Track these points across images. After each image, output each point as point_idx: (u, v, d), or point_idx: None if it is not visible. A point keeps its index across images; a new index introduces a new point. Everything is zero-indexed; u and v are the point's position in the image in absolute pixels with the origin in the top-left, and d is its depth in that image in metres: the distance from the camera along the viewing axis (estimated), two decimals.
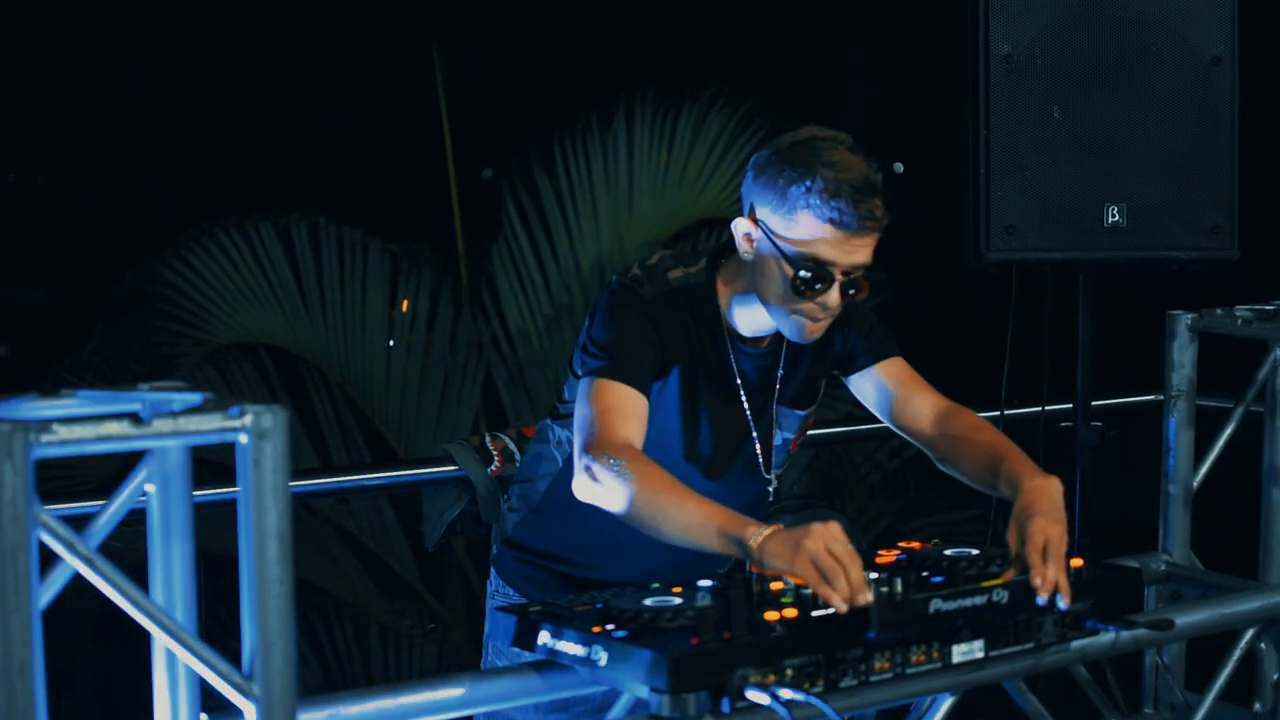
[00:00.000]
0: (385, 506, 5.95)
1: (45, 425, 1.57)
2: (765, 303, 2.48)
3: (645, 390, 2.46)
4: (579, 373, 2.52)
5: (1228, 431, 2.77)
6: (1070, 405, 3.53)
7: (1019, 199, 3.09)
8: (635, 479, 2.28)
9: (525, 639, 2.05)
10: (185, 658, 1.69)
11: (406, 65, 6.32)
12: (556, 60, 6.27)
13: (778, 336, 2.62)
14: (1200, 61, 3.13)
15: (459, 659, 5.49)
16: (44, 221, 6.25)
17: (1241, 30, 3.17)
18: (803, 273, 2.39)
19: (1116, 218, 3.11)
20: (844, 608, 2.00)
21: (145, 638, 1.75)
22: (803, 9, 6.06)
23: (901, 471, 5.86)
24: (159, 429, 1.63)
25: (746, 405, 2.61)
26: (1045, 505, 2.24)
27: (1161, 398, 4.08)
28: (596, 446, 2.36)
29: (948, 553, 2.26)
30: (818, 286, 2.40)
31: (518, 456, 2.98)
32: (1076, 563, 2.24)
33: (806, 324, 2.46)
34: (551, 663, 2.06)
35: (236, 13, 6.14)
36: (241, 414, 1.67)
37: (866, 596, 2.01)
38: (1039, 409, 3.48)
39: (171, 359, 5.84)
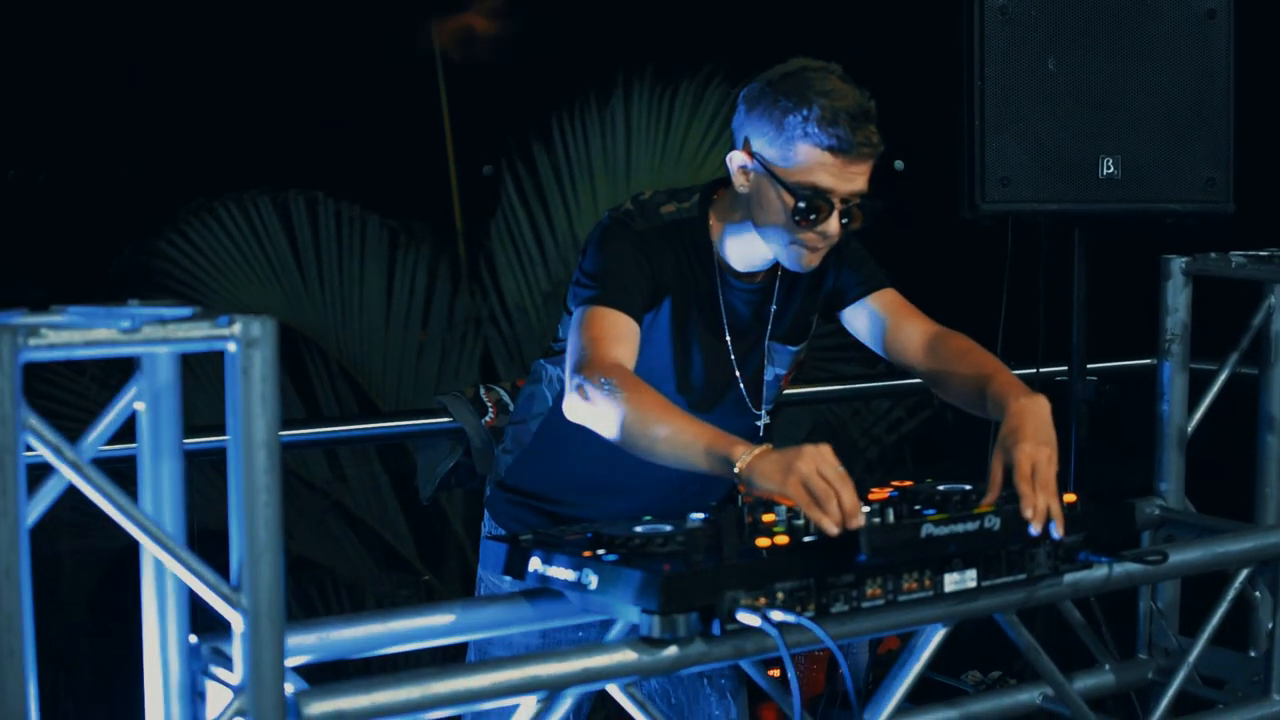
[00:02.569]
0: (381, 478, 5.95)
1: (34, 330, 1.57)
2: (763, 233, 2.49)
3: (637, 317, 2.47)
4: (571, 308, 2.52)
5: (1223, 376, 2.77)
6: (1064, 366, 3.53)
7: (1014, 151, 3.09)
8: (625, 398, 2.28)
9: (516, 567, 2.05)
10: (174, 567, 1.68)
11: (405, 41, 6.32)
12: (555, 37, 6.27)
13: (771, 271, 2.63)
14: (1196, 14, 3.13)
15: None
16: (42, 210, 6.25)
17: None
18: (802, 202, 2.40)
19: (1112, 170, 3.11)
20: (835, 531, 1.99)
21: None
22: None
23: (899, 446, 5.86)
24: (148, 335, 1.63)
25: (731, 342, 2.61)
26: (1031, 427, 2.22)
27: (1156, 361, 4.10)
28: (588, 367, 2.35)
29: (940, 487, 2.25)
30: (816, 215, 2.41)
31: (512, 408, 2.98)
32: (1069, 497, 2.23)
33: (805, 253, 2.47)
34: (542, 590, 2.05)
35: None
36: (230, 323, 1.67)
37: (859, 520, 2.00)
38: (1034, 370, 3.48)
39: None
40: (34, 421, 1.59)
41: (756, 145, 2.45)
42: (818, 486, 2.02)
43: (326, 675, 1.92)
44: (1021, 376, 3.55)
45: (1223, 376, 2.77)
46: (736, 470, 2.12)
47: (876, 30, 5.72)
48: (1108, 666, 2.61)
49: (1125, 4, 3.10)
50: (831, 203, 2.41)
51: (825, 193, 2.40)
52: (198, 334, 1.65)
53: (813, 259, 2.48)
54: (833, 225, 2.43)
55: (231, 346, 1.66)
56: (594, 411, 2.32)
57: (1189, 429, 2.80)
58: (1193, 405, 2.83)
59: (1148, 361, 4.33)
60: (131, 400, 1.76)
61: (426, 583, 5.72)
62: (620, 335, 2.42)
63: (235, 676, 1.71)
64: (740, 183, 2.49)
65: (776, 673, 3.67)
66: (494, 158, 6.22)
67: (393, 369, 6.03)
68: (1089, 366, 3.53)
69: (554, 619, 2.09)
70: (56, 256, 6.29)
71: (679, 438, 2.23)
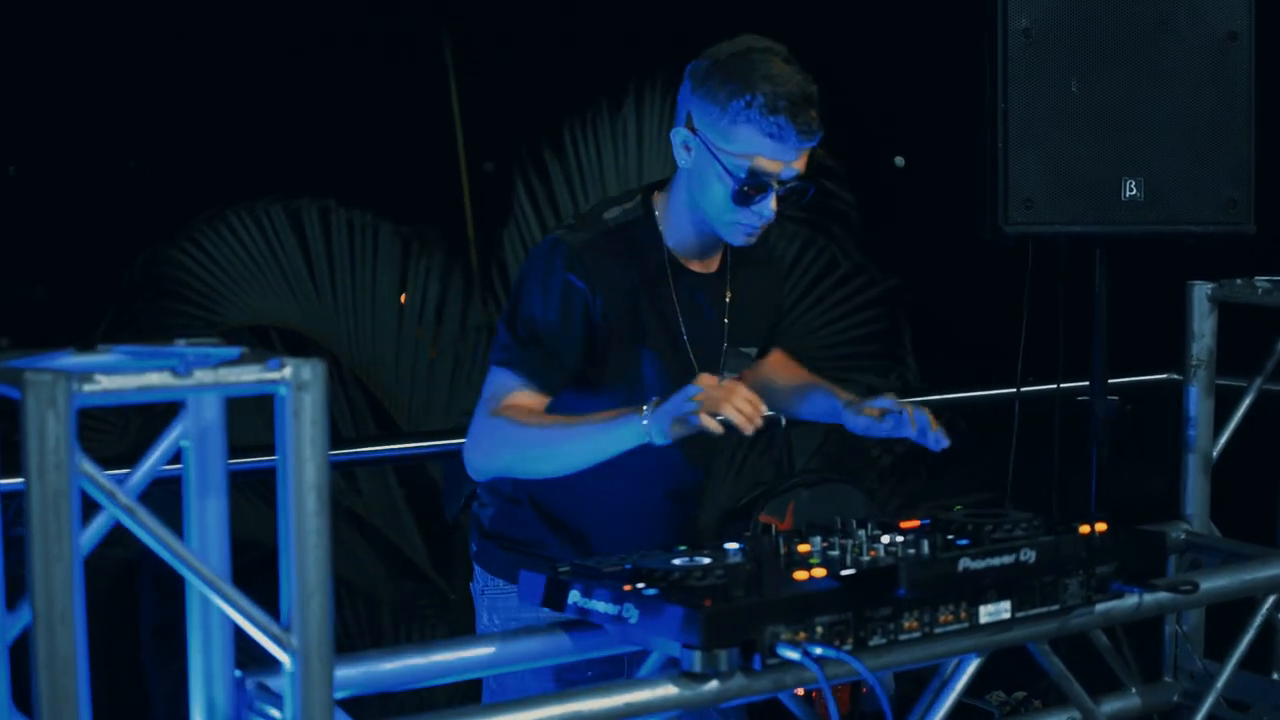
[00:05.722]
0: (394, 489, 5.97)
1: (87, 375, 1.59)
2: (704, 209, 2.55)
3: (548, 385, 2.53)
4: (490, 357, 2.59)
5: (1247, 401, 2.78)
6: (1084, 383, 3.54)
7: (1037, 172, 3.10)
8: (517, 434, 2.46)
9: (555, 599, 2.06)
10: (224, 608, 1.70)
11: (417, 49, 6.34)
12: (566, 45, 6.29)
13: (722, 262, 2.70)
14: (1217, 36, 3.14)
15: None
16: (53, 210, 6.26)
17: (1258, 5, 3.18)
18: (743, 184, 2.47)
19: (1134, 191, 3.12)
20: (750, 429, 2.22)
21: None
22: None
23: (912, 455, 5.88)
24: (200, 380, 1.64)
25: (689, 338, 2.65)
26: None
27: (1173, 376, 4.12)
28: (479, 424, 2.55)
29: (971, 517, 2.26)
30: (757, 196, 2.49)
31: None
32: (1100, 526, 2.25)
33: (743, 229, 2.55)
34: (580, 623, 2.07)
35: None
36: (281, 366, 1.68)
37: (763, 407, 2.25)
38: (1054, 386, 3.49)
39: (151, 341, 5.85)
40: (87, 466, 1.60)
41: (699, 123, 2.50)
42: (715, 395, 2.25)
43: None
44: (1041, 394, 3.60)
45: (1247, 401, 2.79)
46: (645, 433, 2.33)
47: (892, 47, 5.73)
48: (1134, 690, 2.63)
49: (1147, 26, 3.11)
50: (770, 185, 2.48)
51: (764, 175, 2.47)
52: (249, 378, 1.66)
53: (751, 235, 2.57)
54: (770, 205, 2.51)
55: (282, 390, 1.67)
56: (495, 462, 2.53)
57: (1214, 454, 2.82)
58: (1217, 425, 2.85)
59: (1160, 377, 4.39)
60: (177, 439, 1.78)
61: (441, 594, 5.74)
62: (517, 402, 2.52)
63: (280, 713, 1.73)
64: (683, 158, 2.54)
65: (800, 690, 3.69)
66: (506, 165, 6.24)
67: (405, 377, 6.06)
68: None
69: (591, 651, 2.10)
70: (59, 256, 6.30)
71: (582, 440, 2.42)
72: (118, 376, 1.60)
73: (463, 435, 3.08)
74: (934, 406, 4.94)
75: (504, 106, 6.33)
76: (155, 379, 1.62)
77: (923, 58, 5.85)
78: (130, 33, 6.04)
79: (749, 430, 2.26)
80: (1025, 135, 3.09)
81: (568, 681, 2.48)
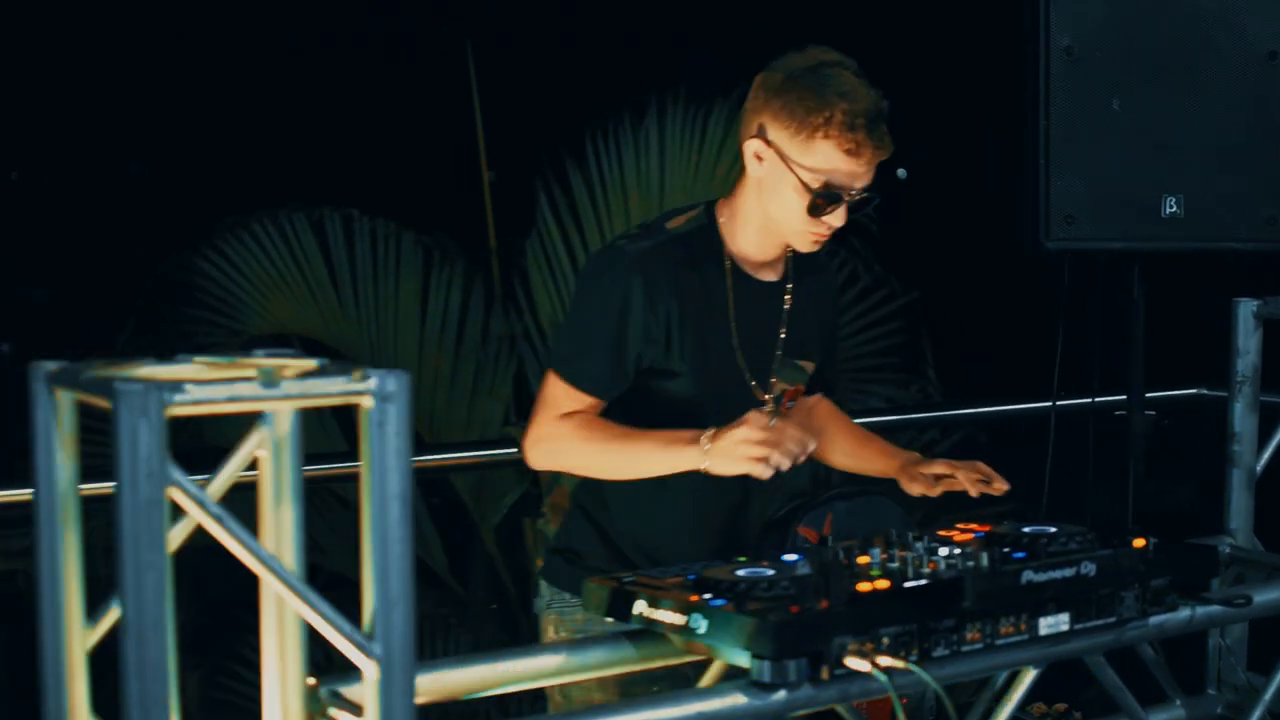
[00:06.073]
0: (417, 499, 5.98)
1: (178, 385, 1.61)
2: (773, 218, 2.62)
3: (598, 389, 2.63)
4: (553, 347, 2.68)
5: None
6: (1117, 397, 3.57)
7: (1078, 189, 3.14)
8: (583, 437, 2.57)
9: (620, 609, 2.09)
10: (309, 615, 1.72)
11: (440, 59, 6.36)
12: (589, 56, 6.31)
13: (784, 271, 2.76)
14: (1257, 55, 3.18)
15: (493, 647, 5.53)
16: (75, 217, 6.28)
17: None
18: (817, 197, 2.55)
19: (1174, 208, 3.16)
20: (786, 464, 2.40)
21: None
22: (832, 6, 6.11)
23: None
24: (288, 391, 1.66)
25: (747, 340, 2.71)
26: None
27: (1201, 392, 4.15)
28: (542, 424, 2.65)
29: (1026, 529, 2.29)
30: (830, 208, 2.57)
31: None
32: (1153, 541, 2.28)
33: (812, 236, 2.63)
34: (643, 633, 2.09)
35: (270, 6, 6.17)
36: (366, 377, 1.70)
37: (812, 444, 2.39)
38: (1089, 400, 3.52)
39: (205, 349, 5.87)
40: (177, 475, 1.62)
41: (774, 135, 2.57)
42: (765, 440, 2.39)
43: None
44: (1075, 408, 3.63)
45: None
46: (704, 467, 2.48)
47: (913, 59, 5.77)
48: (1178, 702, 2.65)
49: (1188, 46, 3.15)
50: (842, 198, 2.56)
51: (838, 188, 2.55)
52: (335, 389, 1.69)
53: (819, 243, 2.65)
54: (840, 217, 2.59)
55: (367, 401, 1.70)
56: (554, 463, 2.66)
57: (1258, 469, 2.85)
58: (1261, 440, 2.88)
59: (1188, 392, 4.42)
60: (254, 448, 1.80)
61: (462, 603, 5.76)
62: (573, 406, 2.63)
63: (356, 717, 1.75)
64: (754, 167, 2.61)
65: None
66: (528, 176, 6.27)
67: (426, 386, 6.08)
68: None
69: (655, 659, 2.13)
70: (78, 262, 6.32)
71: (639, 459, 2.57)
72: (208, 386, 1.62)
73: (484, 447, 3.14)
74: (960, 421, 5.00)
75: (526, 117, 6.36)
76: (244, 389, 1.64)
77: (943, 71, 5.88)
78: (154, 39, 6.06)
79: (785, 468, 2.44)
80: (1067, 152, 3.12)
81: (630, 692, 2.52)
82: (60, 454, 1.75)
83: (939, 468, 2.70)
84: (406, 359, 6.05)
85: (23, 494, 3.61)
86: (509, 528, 5.38)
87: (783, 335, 2.75)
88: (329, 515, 5.68)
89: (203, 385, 1.62)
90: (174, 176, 6.11)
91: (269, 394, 1.66)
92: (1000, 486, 2.65)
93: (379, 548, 1.71)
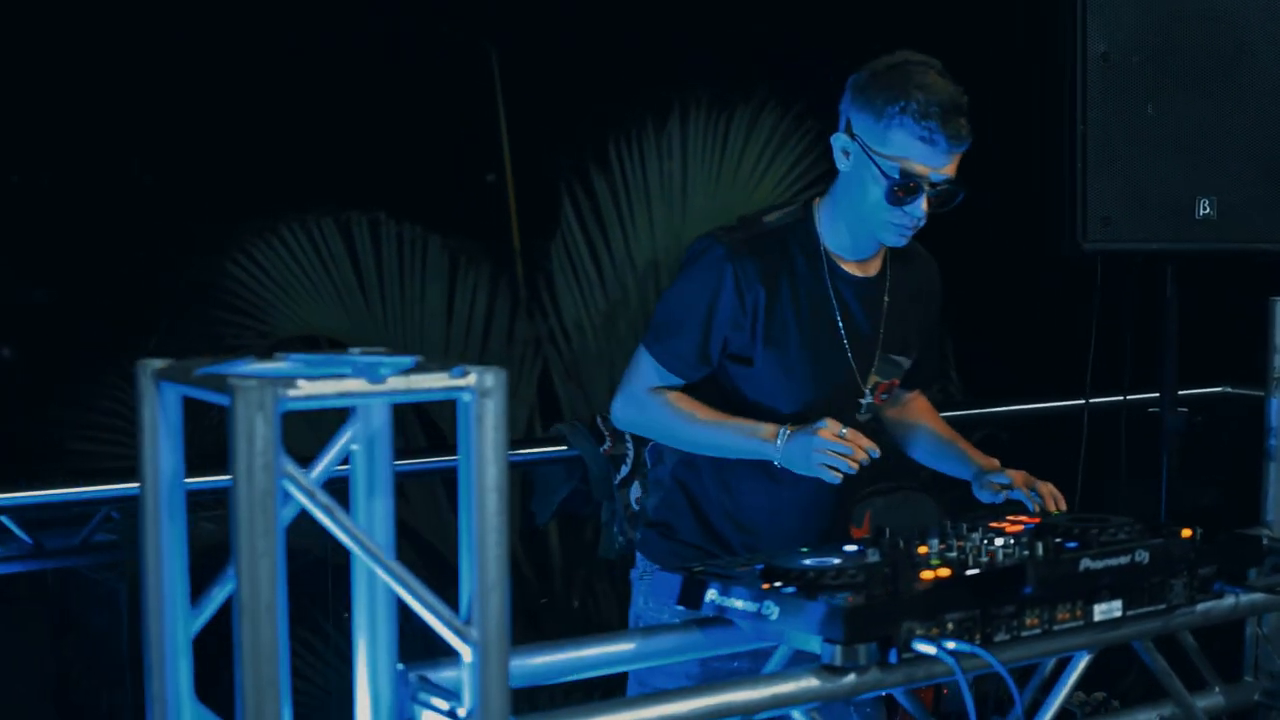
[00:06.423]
0: (441, 496, 6.06)
1: (290, 381, 1.69)
2: (859, 210, 2.72)
3: (683, 371, 2.79)
4: (650, 324, 2.84)
5: None
6: (1150, 394, 3.65)
7: (1114, 192, 3.22)
8: (667, 410, 2.75)
9: (691, 597, 2.17)
10: (410, 602, 1.80)
11: (465, 66, 6.43)
12: (612, 63, 6.39)
13: (880, 266, 2.84)
14: None
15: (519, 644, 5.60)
16: (104, 221, 6.34)
17: None
18: (895, 184, 2.64)
19: (1207, 210, 3.24)
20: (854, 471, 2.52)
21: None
22: (859, 8, 6.18)
23: None
24: (393, 386, 1.74)
25: (845, 334, 2.80)
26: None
27: (1227, 390, 4.23)
28: (631, 392, 2.82)
29: (1074, 519, 2.38)
30: (909, 196, 2.65)
31: (628, 435, 3.13)
32: (1199, 531, 2.36)
33: (896, 229, 2.72)
34: (714, 620, 2.17)
35: (296, 10, 6.24)
36: (465, 374, 1.78)
37: (877, 452, 2.58)
38: (1121, 398, 3.60)
39: (234, 351, 5.95)
40: (290, 467, 1.71)
41: (858, 129, 2.69)
42: (834, 448, 2.56)
43: None
44: (1108, 405, 3.71)
45: None
46: (777, 462, 2.66)
47: (956, 68, 5.84)
48: (1217, 689, 2.73)
49: (1221, 52, 3.23)
50: (922, 185, 2.65)
51: (916, 176, 2.64)
52: (437, 385, 1.77)
53: (904, 235, 2.74)
54: (922, 206, 2.67)
55: (466, 396, 1.78)
56: (640, 429, 2.84)
57: None
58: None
59: (1217, 390, 4.51)
60: (348, 443, 1.88)
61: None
62: (659, 382, 2.80)
63: (446, 703, 1.83)
64: (842, 162, 2.72)
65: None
66: (552, 181, 6.35)
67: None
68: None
69: (723, 647, 2.21)
70: (91, 265, 6.38)
71: (720, 443, 2.74)
72: (319, 382, 1.70)
73: (512, 448, 3.22)
74: (986, 419, 5.07)
75: (550, 122, 6.43)
76: (352, 385, 1.73)
77: (974, 76, 5.95)
78: (187, 45, 6.13)
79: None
80: (1103, 156, 3.21)
81: (711, 673, 2.63)
82: (166, 447, 1.82)
83: (1014, 478, 2.79)
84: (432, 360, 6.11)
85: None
86: (558, 523, 5.46)
87: (881, 332, 2.84)
88: None
89: (314, 381, 1.70)
90: (204, 181, 6.18)
91: (375, 389, 1.74)
92: (1061, 506, 2.73)
93: (476, 537, 1.79)
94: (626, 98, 6.31)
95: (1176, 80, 3.23)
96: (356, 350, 1.89)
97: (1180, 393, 4.01)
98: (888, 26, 5.84)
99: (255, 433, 1.65)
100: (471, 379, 1.77)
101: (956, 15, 6.20)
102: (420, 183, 6.43)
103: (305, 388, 1.69)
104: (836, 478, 2.59)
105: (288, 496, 1.72)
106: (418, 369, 1.79)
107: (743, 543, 2.79)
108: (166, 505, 1.83)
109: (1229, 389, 4.55)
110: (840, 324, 2.79)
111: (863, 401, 2.84)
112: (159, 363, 1.82)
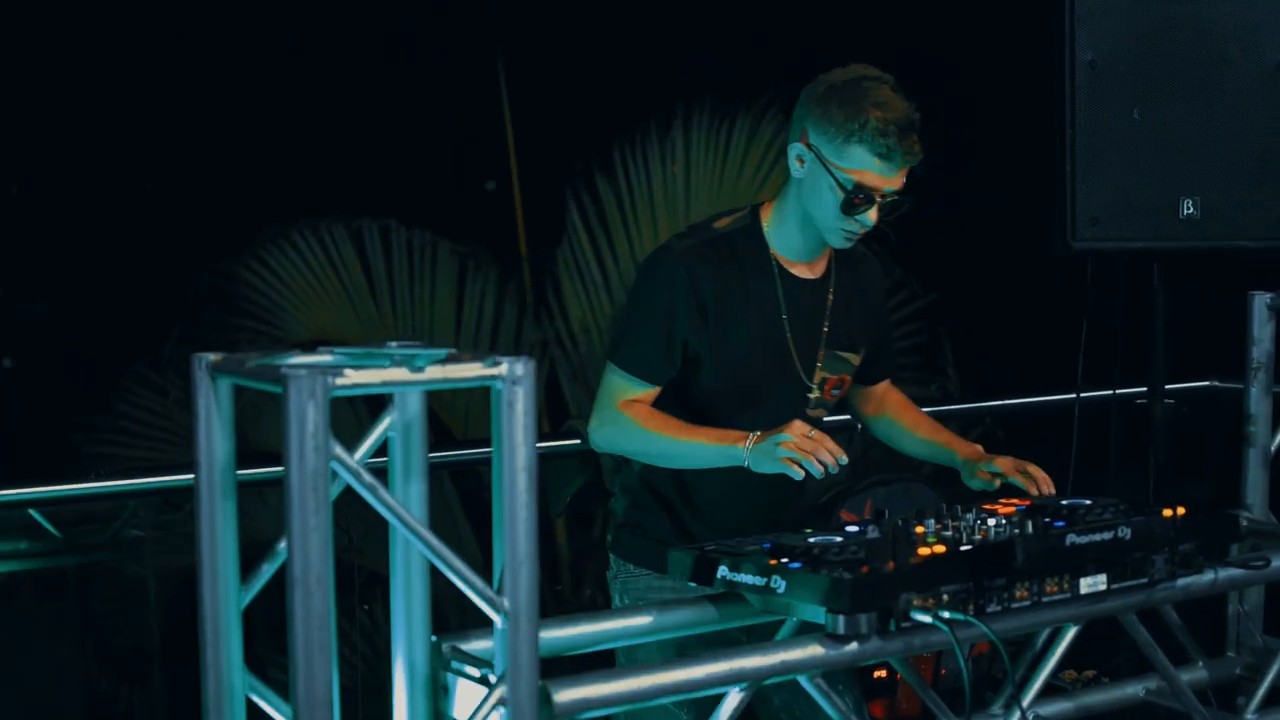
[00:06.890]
0: (450, 492, 6.20)
1: (338, 370, 1.84)
2: (811, 215, 2.86)
3: (651, 376, 2.90)
4: (611, 341, 2.98)
5: None
6: (1137, 389, 3.80)
7: (1102, 193, 3.37)
8: (639, 425, 2.85)
9: (703, 574, 2.32)
10: (450, 575, 1.94)
11: (472, 74, 6.57)
12: (617, 70, 6.53)
13: (825, 268, 2.99)
14: (1266, 67, 3.41)
15: None
16: (119, 228, 6.45)
17: None
18: (850, 196, 2.79)
19: (1191, 210, 3.39)
20: (821, 472, 2.61)
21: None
22: (858, 16, 6.31)
23: None
24: (432, 375, 1.89)
25: (790, 332, 2.94)
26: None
27: (1214, 384, 4.38)
28: (606, 409, 2.92)
29: (1064, 502, 2.53)
30: (861, 205, 2.80)
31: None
32: (1180, 510, 2.51)
33: (845, 234, 2.87)
34: (725, 595, 2.32)
35: (305, 18, 6.35)
36: (497, 363, 1.93)
37: (844, 457, 2.63)
38: (1110, 392, 3.74)
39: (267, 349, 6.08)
40: (338, 450, 1.85)
41: (814, 139, 2.81)
42: (807, 446, 2.63)
43: None
44: (1099, 398, 3.85)
45: None
46: (745, 464, 2.74)
47: (946, 74, 5.98)
48: (1200, 663, 2.88)
49: (1203, 58, 3.38)
50: (874, 198, 2.80)
51: (870, 190, 2.79)
52: (472, 373, 1.92)
53: (851, 239, 2.89)
54: (873, 215, 2.83)
55: (499, 384, 1.92)
56: (614, 447, 2.93)
57: (1272, 448, 3.08)
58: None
59: (1204, 384, 4.66)
60: (385, 430, 2.02)
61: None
62: (629, 392, 2.90)
63: (478, 670, 1.98)
64: (796, 169, 2.86)
65: (882, 674, 3.94)
66: (558, 187, 6.50)
67: (461, 389, 6.27)
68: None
69: (735, 620, 2.36)
70: (105, 271, 6.48)
71: (690, 453, 2.84)
72: (364, 372, 1.85)
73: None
74: (981, 413, 5.22)
75: (556, 129, 6.58)
76: (396, 374, 1.87)
77: (965, 81, 6.09)
78: (201, 54, 6.24)
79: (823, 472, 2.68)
80: (1091, 159, 3.36)
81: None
82: (219, 435, 1.97)
83: (1003, 465, 2.90)
84: None
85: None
86: (569, 517, 5.60)
87: (825, 330, 2.98)
88: (369, 517, 5.88)
89: (360, 370, 1.85)
90: (219, 189, 6.31)
91: (415, 378, 1.89)
92: (1050, 490, 2.85)
93: (508, 513, 1.94)
94: (631, 105, 6.45)
95: (1160, 87, 3.38)
96: (393, 344, 2.03)
97: (1169, 386, 4.16)
98: (888, 36, 5.98)
99: (307, 417, 1.79)
100: (504, 368, 1.92)
101: (952, 27, 6.35)
102: (429, 190, 6.57)
103: (352, 376, 1.84)
104: (799, 473, 2.67)
105: (335, 476, 1.86)
106: (451, 359, 1.93)
107: (711, 539, 2.92)
108: (221, 488, 1.97)
109: (1216, 383, 4.70)
110: (786, 322, 2.93)
111: (810, 396, 2.99)
112: (213, 356, 1.96)
